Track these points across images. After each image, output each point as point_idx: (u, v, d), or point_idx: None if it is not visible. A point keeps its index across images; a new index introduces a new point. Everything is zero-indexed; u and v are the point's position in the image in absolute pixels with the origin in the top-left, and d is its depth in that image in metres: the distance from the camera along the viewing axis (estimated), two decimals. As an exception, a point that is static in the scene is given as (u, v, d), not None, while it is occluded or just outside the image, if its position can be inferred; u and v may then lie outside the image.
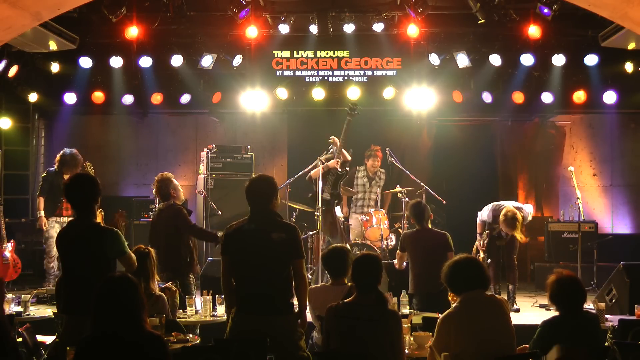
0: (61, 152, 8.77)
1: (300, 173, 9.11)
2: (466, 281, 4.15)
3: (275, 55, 10.27)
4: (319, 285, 5.51)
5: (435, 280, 6.41)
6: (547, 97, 10.22)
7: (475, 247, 8.16)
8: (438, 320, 4.19)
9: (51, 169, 8.78)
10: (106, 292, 3.44)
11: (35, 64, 10.12)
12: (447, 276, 4.25)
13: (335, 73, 10.30)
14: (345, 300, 4.27)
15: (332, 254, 5.26)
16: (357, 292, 4.24)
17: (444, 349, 4.01)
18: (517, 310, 7.47)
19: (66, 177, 8.69)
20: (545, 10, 8.50)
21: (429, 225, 6.84)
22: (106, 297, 3.42)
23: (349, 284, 5.12)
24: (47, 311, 6.42)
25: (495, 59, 9.89)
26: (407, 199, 8.99)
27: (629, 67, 9.76)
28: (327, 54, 10.26)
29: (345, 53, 10.24)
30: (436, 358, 4.08)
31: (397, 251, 7.10)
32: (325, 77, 10.30)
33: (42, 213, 8.53)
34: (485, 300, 4.16)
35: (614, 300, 7.40)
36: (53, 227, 8.58)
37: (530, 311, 7.68)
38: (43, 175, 8.79)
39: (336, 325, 4.17)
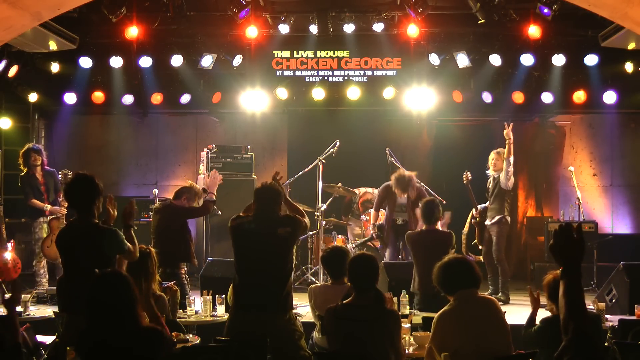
0: (21, 152, 8.83)
1: (300, 173, 9.13)
2: (458, 280, 4.14)
3: (275, 55, 10.27)
4: (319, 284, 5.51)
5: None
6: (547, 97, 10.21)
7: (470, 214, 8.36)
8: (434, 318, 4.18)
9: (22, 173, 8.77)
10: (99, 290, 3.45)
11: (35, 64, 10.11)
12: (438, 277, 4.24)
13: (335, 73, 10.30)
14: (344, 302, 4.27)
15: (332, 254, 5.26)
16: (354, 293, 4.25)
17: (442, 347, 4.00)
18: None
19: (38, 175, 8.68)
20: (545, 10, 8.50)
21: (436, 226, 6.84)
22: (100, 295, 3.42)
23: (349, 283, 5.12)
24: (47, 311, 6.42)
25: (495, 59, 9.88)
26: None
27: (629, 67, 9.76)
28: (327, 54, 10.25)
29: (345, 53, 10.24)
30: (435, 357, 4.07)
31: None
32: (325, 77, 10.30)
33: (48, 206, 8.55)
34: (479, 298, 4.18)
35: (614, 300, 7.40)
36: (42, 229, 8.60)
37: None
38: (20, 182, 8.75)
39: (336, 326, 4.17)
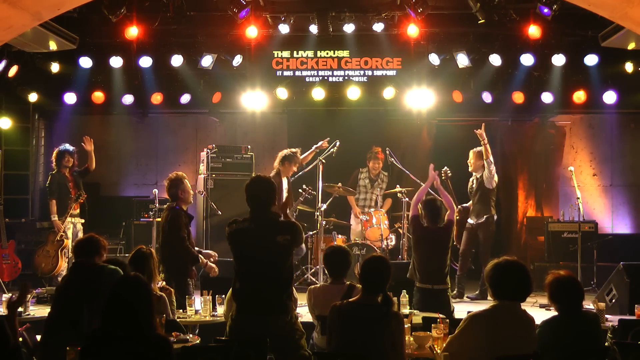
0: (55, 152, 8.95)
1: (300, 173, 9.13)
2: (508, 288, 4.01)
3: (275, 55, 10.27)
4: (318, 285, 5.50)
5: (435, 279, 6.49)
6: (547, 97, 10.22)
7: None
8: (466, 317, 4.08)
9: (52, 171, 8.94)
10: (121, 288, 3.47)
11: (35, 64, 10.10)
12: (489, 276, 4.09)
13: (335, 73, 10.30)
14: (350, 300, 4.28)
15: (334, 253, 5.25)
16: (363, 292, 4.25)
17: (462, 349, 3.95)
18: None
19: (67, 175, 8.80)
20: (545, 10, 8.50)
21: (440, 225, 6.85)
22: (119, 298, 3.43)
23: (347, 283, 5.13)
24: (47, 311, 6.40)
25: (495, 59, 9.88)
26: (407, 199, 9.00)
27: (629, 67, 9.76)
28: (327, 54, 10.25)
29: (345, 53, 10.24)
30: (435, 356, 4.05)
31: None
32: (325, 77, 10.30)
33: (56, 217, 8.63)
34: (518, 315, 4.05)
35: (614, 300, 7.41)
36: (70, 228, 8.66)
37: (530, 311, 7.64)
38: (49, 180, 8.89)
39: (338, 324, 4.17)
